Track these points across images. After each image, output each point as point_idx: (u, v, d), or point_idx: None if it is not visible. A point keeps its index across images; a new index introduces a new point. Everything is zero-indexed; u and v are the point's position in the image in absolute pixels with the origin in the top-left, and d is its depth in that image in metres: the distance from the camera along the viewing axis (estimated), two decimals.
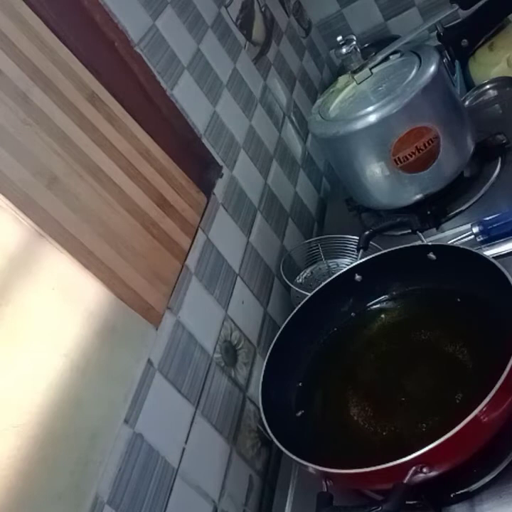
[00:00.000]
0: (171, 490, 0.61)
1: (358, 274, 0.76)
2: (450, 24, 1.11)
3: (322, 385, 0.72)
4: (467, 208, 0.89)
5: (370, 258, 0.75)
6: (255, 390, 0.78)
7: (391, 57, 0.88)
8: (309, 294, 0.76)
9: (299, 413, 0.70)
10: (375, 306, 0.78)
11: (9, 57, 0.58)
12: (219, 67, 0.97)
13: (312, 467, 0.57)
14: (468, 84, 1.14)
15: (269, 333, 0.88)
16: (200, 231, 0.81)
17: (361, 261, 0.76)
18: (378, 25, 1.46)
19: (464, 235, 0.83)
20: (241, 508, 0.70)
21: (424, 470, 0.52)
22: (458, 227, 0.88)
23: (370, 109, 0.80)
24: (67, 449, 0.52)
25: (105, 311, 0.60)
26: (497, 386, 0.50)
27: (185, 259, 0.76)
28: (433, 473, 0.53)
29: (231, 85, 1.00)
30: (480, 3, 1.04)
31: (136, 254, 0.67)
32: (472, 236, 0.81)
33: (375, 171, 0.85)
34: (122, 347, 0.61)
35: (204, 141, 0.87)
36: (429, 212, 0.88)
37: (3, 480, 0.45)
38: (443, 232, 0.89)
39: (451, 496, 0.59)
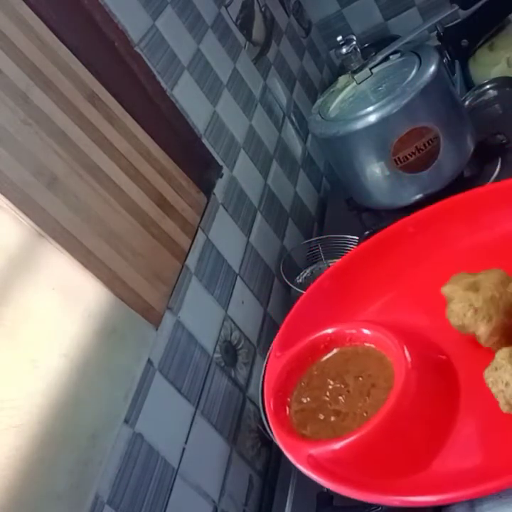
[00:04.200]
0: (171, 490, 0.61)
1: None
2: (450, 24, 1.11)
3: None
4: None
5: None
6: (255, 390, 0.78)
7: (391, 57, 0.87)
8: None
9: None
10: None
11: (9, 57, 0.58)
12: (219, 67, 0.97)
13: None
14: (468, 84, 1.14)
15: (269, 333, 0.88)
16: (200, 231, 0.81)
17: None
18: (378, 25, 1.46)
19: None
20: (241, 508, 0.70)
21: None
22: None
23: (370, 109, 0.80)
24: (66, 448, 0.52)
25: (105, 311, 0.60)
26: None
27: (185, 259, 0.76)
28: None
29: (231, 85, 1.00)
30: (480, 3, 1.04)
31: (136, 254, 0.67)
32: None
33: (375, 171, 0.85)
34: (122, 347, 0.61)
35: (204, 141, 0.87)
36: None
37: (3, 480, 0.45)
38: None
39: None
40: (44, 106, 0.61)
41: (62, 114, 0.63)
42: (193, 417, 0.68)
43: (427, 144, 0.81)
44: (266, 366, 0.54)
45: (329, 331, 0.51)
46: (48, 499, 0.49)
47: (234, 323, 0.81)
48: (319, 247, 0.98)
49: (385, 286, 0.58)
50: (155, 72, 0.81)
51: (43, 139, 0.59)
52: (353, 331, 0.50)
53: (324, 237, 0.99)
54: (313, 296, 0.61)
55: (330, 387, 0.48)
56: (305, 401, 0.49)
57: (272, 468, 0.77)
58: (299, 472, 0.72)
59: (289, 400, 0.50)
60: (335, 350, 0.51)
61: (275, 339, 0.56)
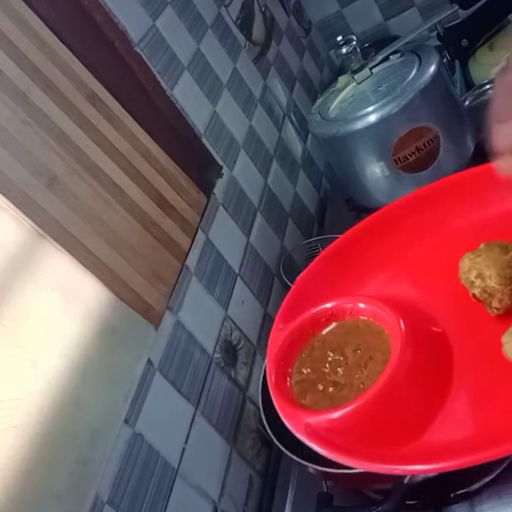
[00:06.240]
0: (171, 490, 0.61)
1: None
2: (450, 24, 1.11)
3: None
4: None
5: None
6: (255, 390, 0.78)
7: (391, 57, 0.88)
8: None
9: None
10: None
11: (9, 57, 0.58)
12: (219, 67, 0.97)
13: (312, 467, 0.57)
14: (468, 84, 1.14)
15: (269, 333, 0.88)
16: (200, 231, 0.81)
17: None
18: (378, 25, 1.46)
19: None
20: (241, 508, 0.70)
21: None
22: None
23: (370, 109, 0.80)
24: (67, 449, 0.52)
25: (105, 311, 0.60)
26: None
27: (185, 259, 0.76)
28: (433, 472, 0.53)
29: (231, 85, 1.00)
30: (480, 3, 1.04)
31: (136, 254, 0.67)
32: None
33: (375, 171, 0.85)
34: (122, 347, 0.61)
35: (204, 141, 0.87)
36: None
37: (3, 480, 0.45)
38: None
39: (451, 495, 0.59)
40: (44, 106, 0.61)
41: (62, 114, 0.63)
42: (193, 417, 0.68)
43: (427, 144, 0.81)
44: (269, 338, 0.55)
45: (328, 305, 0.52)
46: (48, 499, 0.49)
47: (234, 323, 0.81)
48: (319, 247, 0.98)
49: (386, 262, 0.59)
50: (155, 72, 0.81)
51: (43, 139, 0.59)
52: (350, 306, 0.51)
53: (324, 237, 0.99)
54: (315, 271, 0.61)
55: (330, 359, 0.49)
56: (305, 372, 0.50)
57: (272, 468, 0.77)
58: (299, 472, 0.73)
59: (290, 370, 0.51)
60: (335, 324, 0.52)
61: (278, 312, 0.57)
